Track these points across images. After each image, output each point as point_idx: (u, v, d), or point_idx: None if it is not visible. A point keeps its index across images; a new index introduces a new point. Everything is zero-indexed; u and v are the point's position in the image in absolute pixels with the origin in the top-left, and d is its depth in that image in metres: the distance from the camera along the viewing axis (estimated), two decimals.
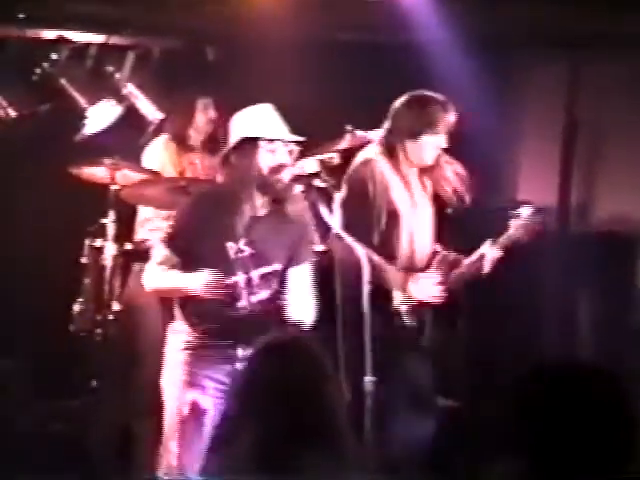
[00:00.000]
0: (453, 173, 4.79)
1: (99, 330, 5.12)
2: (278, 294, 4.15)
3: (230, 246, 4.07)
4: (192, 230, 4.09)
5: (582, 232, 5.53)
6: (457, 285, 4.77)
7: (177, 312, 4.20)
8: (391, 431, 4.51)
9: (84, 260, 5.22)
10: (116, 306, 5.14)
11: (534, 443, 2.33)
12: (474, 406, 5.60)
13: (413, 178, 4.75)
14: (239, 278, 4.07)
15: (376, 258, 4.42)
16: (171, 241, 4.13)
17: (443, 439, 4.82)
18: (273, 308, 4.12)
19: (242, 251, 4.08)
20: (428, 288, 4.68)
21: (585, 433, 2.30)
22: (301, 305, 4.17)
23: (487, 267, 4.73)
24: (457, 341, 5.33)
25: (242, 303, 4.07)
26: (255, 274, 4.10)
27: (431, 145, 4.66)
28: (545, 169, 6.57)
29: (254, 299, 4.09)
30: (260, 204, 4.14)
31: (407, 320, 4.68)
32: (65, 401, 5.51)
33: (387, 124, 4.75)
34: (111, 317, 5.12)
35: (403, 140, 4.67)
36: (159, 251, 4.17)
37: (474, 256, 4.76)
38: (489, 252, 4.72)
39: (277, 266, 4.15)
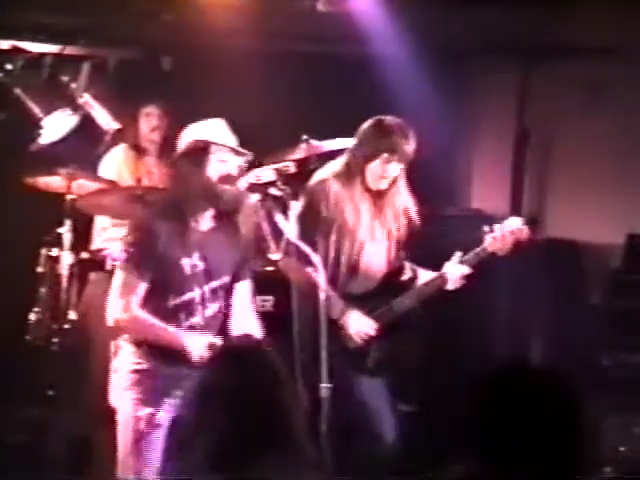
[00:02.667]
0: (401, 199, 4.78)
1: (55, 339, 5.11)
2: (226, 307, 4.15)
3: (185, 262, 4.04)
4: (148, 248, 4.01)
5: (533, 241, 5.56)
6: (417, 300, 4.76)
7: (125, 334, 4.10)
8: (348, 437, 4.53)
9: (40, 269, 5.21)
10: (72, 315, 5.13)
11: (488, 446, 2.40)
12: (430, 411, 5.65)
13: (367, 200, 4.74)
14: (195, 294, 4.07)
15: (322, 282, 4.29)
16: (131, 264, 4.03)
17: (400, 443, 4.85)
18: (222, 322, 4.13)
19: (196, 266, 4.06)
20: (361, 326, 4.65)
21: (536, 437, 2.36)
22: (246, 320, 4.17)
23: (454, 284, 4.71)
24: (413, 347, 5.36)
25: (196, 319, 4.06)
26: (207, 288, 4.09)
27: (389, 171, 4.67)
28: (497, 178, 6.64)
29: (208, 313, 4.09)
30: (208, 216, 4.12)
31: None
32: (21, 410, 5.49)
33: (351, 146, 4.76)
34: (67, 326, 5.12)
35: (362, 163, 4.67)
36: (119, 276, 4.05)
37: (436, 274, 4.74)
38: (455, 269, 4.71)
39: (225, 279, 4.14)
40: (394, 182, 4.71)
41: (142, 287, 4.01)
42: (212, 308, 4.11)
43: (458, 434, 2.47)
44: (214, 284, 4.11)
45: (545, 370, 2.51)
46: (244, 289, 4.23)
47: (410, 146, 4.64)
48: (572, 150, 6.42)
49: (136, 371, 4.04)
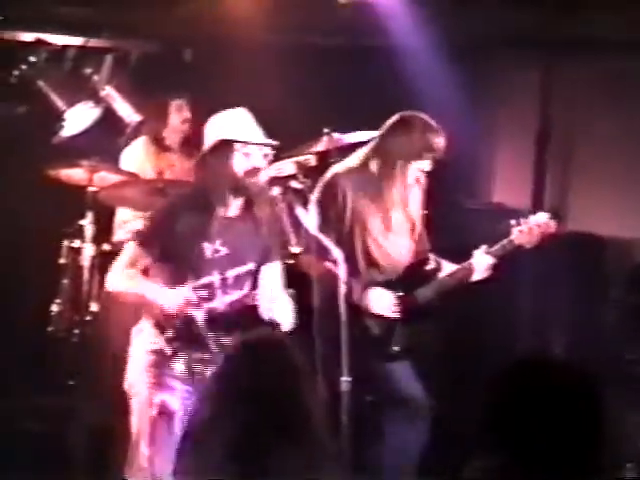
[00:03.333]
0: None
1: (77, 330, 5.14)
2: (251, 295, 4.17)
3: (206, 246, 4.08)
4: (166, 230, 4.07)
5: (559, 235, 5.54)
6: (440, 291, 4.78)
7: (144, 312, 4.19)
8: (368, 431, 4.54)
9: (62, 261, 5.24)
10: (94, 307, 5.16)
11: (509, 441, 2.38)
12: (450, 405, 5.64)
13: (391, 192, 4.75)
14: (214, 278, 4.10)
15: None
16: (144, 240, 4.12)
17: (421, 436, 4.85)
18: (246, 309, 4.14)
19: (218, 251, 4.10)
20: (385, 301, 4.68)
21: (557, 432, 2.35)
22: (277, 304, 4.19)
23: (480, 275, 4.72)
24: (434, 340, 5.36)
25: (215, 304, 4.09)
26: (230, 274, 4.12)
27: (417, 169, 4.68)
28: (518, 173, 6.62)
29: (227, 299, 4.12)
30: (236, 204, 4.16)
31: (381, 324, 4.70)
32: (43, 400, 5.53)
33: (374, 141, 4.76)
34: (89, 318, 5.15)
35: (387, 159, 4.66)
36: (129, 250, 4.15)
37: (463, 264, 4.74)
38: (482, 259, 4.71)
39: (251, 266, 4.18)
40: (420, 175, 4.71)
41: (147, 261, 4.09)
42: (235, 295, 4.13)
43: (478, 429, 2.46)
44: (237, 270, 4.13)
45: (566, 364, 2.49)
46: (274, 273, 4.24)
47: (441, 140, 4.63)
48: (594, 144, 6.38)
49: (153, 353, 4.09)
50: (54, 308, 5.21)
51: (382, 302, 4.65)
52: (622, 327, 5.91)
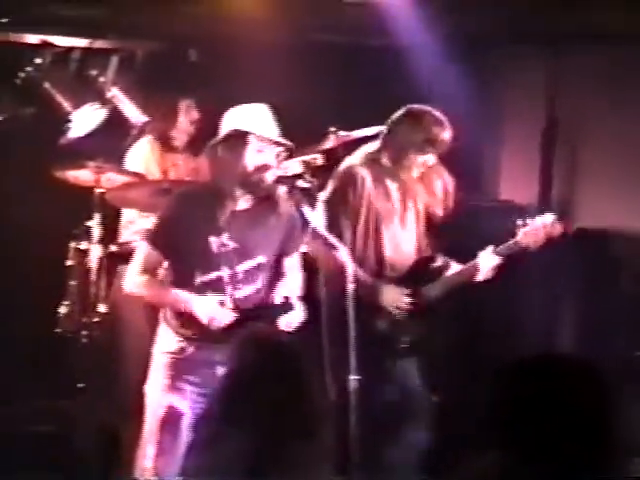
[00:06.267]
0: (441, 182, 4.78)
1: (85, 332, 5.14)
2: (263, 290, 4.15)
3: (213, 240, 4.06)
4: (174, 226, 4.06)
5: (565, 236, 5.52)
6: (447, 289, 4.77)
7: (161, 316, 4.20)
8: (377, 429, 4.53)
9: (70, 262, 5.23)
10: (102, 308, 5.16)
11: (518, 437, 2.39)
12: (458, 401, 5.62)
13: (397, 188, 4.75)
14: (223, 273, 4.07)
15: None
16: (154, 238, 4.11)
17: (429, 434, 4.84)
18: (258, 304, 4.13)
19: (225, 245, 4.06)
20: (396, 297, 4.67)
21: (566, 427, 2.36)
22: (293, 296, 4.17)
23: (485, 275, 4.72)
24: (441, 337, 5.35)
25: (225, 299, 4.06)
26: (240, 269, 4.10)
27: (420, 162, 4.67)
28: (525, 168, 6.60)
29: (238, 295, 4.09)
30: (242, 199, 4.12)
31: (388, 320, 4.70)
32: (51, 402, 5.53)
33: (382, 134, 4.75)
34: (97, 319, 5.14)
35: (394, 152, 4.67)
36: (141, 250, 4.14)
37: (469, 264, 4.75)
38: (487, 260, 4.71)
39: (261, 259, 4.14)
40: (428, 170, 4.71)
41: (159, 260, 4.08)
42: (246, 290, 4.11)
43: (486, 425, 2.45)
44: (247, 265, 4.10)
45: (576, 360, 2.49)
46: (292, 266, 4.23)
47: (446, 135, 4.62)
48: (602, 139, 6.36)
49: (169, 355, 4.09)
50: (62, 310, 5.21)
51: (393, 299, 4.64)
52: (631, 322, 5.89)
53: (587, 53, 6.21)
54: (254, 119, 4.09)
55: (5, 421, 5.26)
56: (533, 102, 6.51)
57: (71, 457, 4.98)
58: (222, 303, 4.02)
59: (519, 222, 4.68)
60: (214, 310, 3.99)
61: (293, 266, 4.27)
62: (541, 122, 6.47)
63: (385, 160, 4.69)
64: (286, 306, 4.11)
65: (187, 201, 4.14)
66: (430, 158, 4.64)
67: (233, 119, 4.12)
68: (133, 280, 4.13)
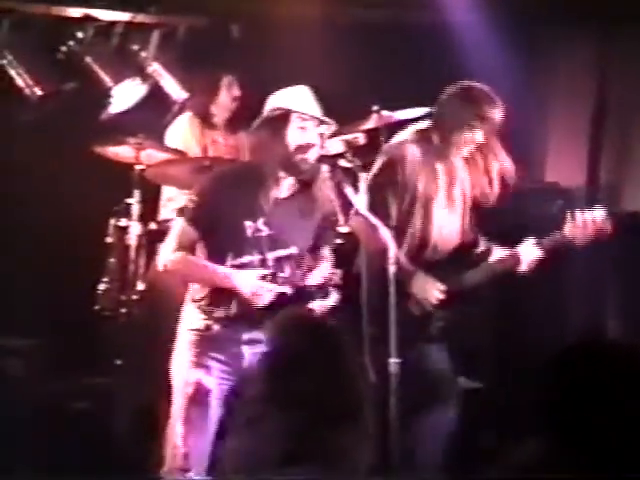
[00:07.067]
0: (497, 163, 4.69)
1: (124, 310, 5.14)
2: (292, 278, 4.10)
3: (248, 224, 4.02)
4: (213, 205, 4.02)
5: (611, 213, 5.43)
6: (488, 276, 4.70)
7: (189, 294, 4.16)
8: (414, 414, 4.49)
9: (109, 240, 5.23)
10: (141, 286, 5.15)
11: (557, 426, 2.35)
12: (497, 387, 5.58)
13: (445, 168, 4.69)
14: (254, 258, 4.03)
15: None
16: (192, 215, 4.06)
17: (466, 420, 4.80)
18: (288, 293, 4.07)
19: (260, 230, 4.02)
20: (429, 289, 4.61)
21: (610, 413, 2.32)
22: (321, 288, 4.13)
23: (527, 266, 4.63)
24: (480, 322, 5.30)
25: (266, 273, 4.02)
26: (270, 256, 4.05)
27: (469, 139, 4.59)
28: (574, 149, 6.51)
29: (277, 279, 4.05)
30: (284, 185, 4.08)
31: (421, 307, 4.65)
32: (90, 379, 5.54)
33: (433, 111, 4.69)
34: (135, 297, 5.14)
35: (444, 130, 4.60)
36: (177, 227, 4.11)
37: (510, 252, 4.67)
38: (529, 251, 4.63)
39: (293, 250, 4.09)
40: (482, 149, 4.63)
41: (195, 238, 4.03)
42: (275, 277, 4.06)
43: (525, 414, 2.41)
44: (279, 253, 4.06)
45: (618, 349, 2.44)
46: (323, 259, 4.19)
47: (498, 113, 4.55)
48: None
49: (196, 332, 4.06)
50: (101, 287, 5.21)
51: (423, 290, 4.58)
52: None
53: (638, 33, 6.09)
54: (296, 99, 4.06)
55: (43, 398, 5.26)
56: (583, 84, 6.41)
57: (107, 434, 4.98)
58: (264, 277, 3.97)
59: (567, 213, 4.59)
60: (257, 284, 3.96)
61: (326, 256, 4.23)
62: (591, 104, 6.37)
63: (435, 138, 4.64)
64: (321, 292, 4.06)
65: (227, 181, 4.10)
66: (479, 135, 4.57)
67: (275, 100, 4.09)
68: (168, 257, 4.09)
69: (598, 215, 4.59)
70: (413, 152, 4.61)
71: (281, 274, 4.05)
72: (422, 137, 4.65)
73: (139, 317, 5.17)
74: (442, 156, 4.65)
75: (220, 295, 4.02)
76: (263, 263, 4.04)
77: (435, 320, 4.65)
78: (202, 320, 4.07)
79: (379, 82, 5.96)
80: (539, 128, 6.61)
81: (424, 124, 4.70)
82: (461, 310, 4.70)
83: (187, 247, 4.07)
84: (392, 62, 6.19)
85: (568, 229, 4.58)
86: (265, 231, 4.03)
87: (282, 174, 4.06)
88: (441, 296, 4.60)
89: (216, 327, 4.05)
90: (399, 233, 4.52)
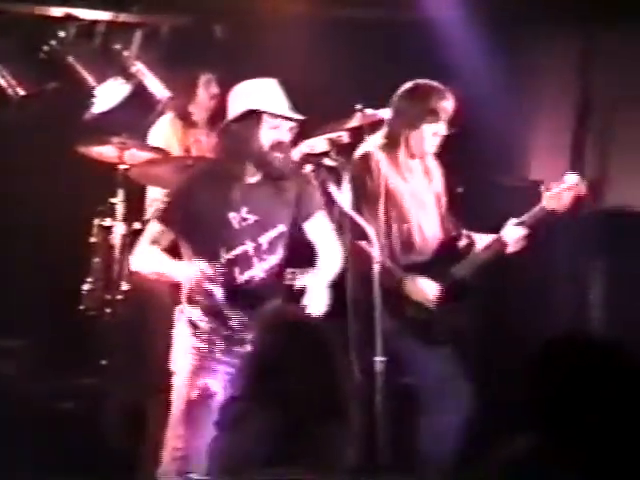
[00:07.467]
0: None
1: (108, 309, 5.13)
2: (286, 259, 4.12)
3: (232, 216, 4.04)
4: (185, 203, 4.04)
5: (594, 210, 5.50)
6: (476, 266, 4.72)
7: (184, 295, 4.15)
8: (402, 412, 4.50)
9: (93, 239, 5.22)
10: (125, 286, 5.14)
11: (550, 422, 2.36)
12: (488, 385, 5.59)
13: (414, 167, 4.70)
14: (248, 247, 4.06)
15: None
16: (165, 216, 4.09)
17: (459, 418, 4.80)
18: (282, 274, 4.09)
19: (246, 219, 4.06)
20: (424, 290, 4.62)
21: (601, 410, 2.33)
22: (327, 255, 4.15)
23: (514, 246, 4.67)
24: (469, 320, 5.31)
25: (254, 272, 4.06)
26: (263, 240, 4.08)
27: (431, 133, 4.62)
28: (557, 146, 6.53)
29: (265, 266, 4.08)
30: (254, 175, 4.10)
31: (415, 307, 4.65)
32: (75, 379, 5.52)
33: (389, 115, 4.72)
34: (120, 297, 5.13)
35: (404, 130, 4.63)
36: (151, 228, 4.13)
37: (493, 238, 4.70)
38: (512, 231, 4.66)
39: (282, 228, 4.12)
40: (442, 144, 4.66)
41: (169, 237, 4.06)
42: (271, 260, 4.10)
43: (518, 410, 2.42)
44: (270, 235, 4.09)
45: (610, 343, 2.45)
46: (319, 225, 4.20)
47: (449, 103, 4.58)
48: (635, 115, 6.27)
49: (197, 334, 4.06)
50: (85, 287, 5.20)
51: (424, 292, 4.59)
52: None
53: (622, 26, 6.12)
54: (266, 95, 4.06)
55: (28, 399, 5.25)
56: (565, 80, 6.43)
57: (94, 435, 4.97)
58: (213, 270, 3.95)
59: (542, 187, 4.62)
60: (197, 277, 3.94)
61: (320, 223, 4.22)
62: (573, 101, 6.39)
63: (396, 140, 4.65)
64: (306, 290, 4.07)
65: (199, 178, 4.14)
66: (440, 127, 4.60)
67: (243, 97, 4.09)
68: (135, 256, 4.14)
69: (571, 180, 4.63)
70: (378, 159, 4.61)
71: (270, 261, 4.06)
72: (385, 142, 4.67)
73: (123, 317, 5.15)
74: (408, 156, 4.67)
75: (195, 291, 4.02)
76: (258, 249, 4.06)
77: (437, 320, 4.66)
78: (201, 321, 4.07)
79: (363, 80, 5.96)
80: (521, 126, 6.62)
81: (385, 129, 4.72)
82: (456, 309, 4.71)
83: (159, 245, 4.09)
84: (375, 60, 6.19)
85: (546, 201, 4.62)
86: (251, 218, 4.06)
87: (253, 170, 4.09)
88: (438, 294, 4.61)
89: (216, 327, 4.05)
90: (383, 239, 4.53)
